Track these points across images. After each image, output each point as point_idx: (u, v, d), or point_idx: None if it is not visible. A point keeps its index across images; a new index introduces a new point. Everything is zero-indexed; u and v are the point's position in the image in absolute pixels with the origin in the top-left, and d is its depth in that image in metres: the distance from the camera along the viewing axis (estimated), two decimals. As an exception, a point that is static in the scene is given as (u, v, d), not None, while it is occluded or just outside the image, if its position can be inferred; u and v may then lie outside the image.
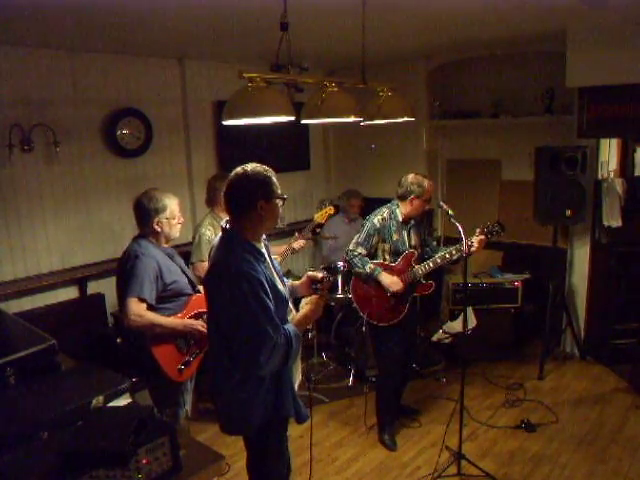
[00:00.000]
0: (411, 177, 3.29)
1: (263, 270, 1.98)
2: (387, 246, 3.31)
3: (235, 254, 1.96)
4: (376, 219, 3.31)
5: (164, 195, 2.72)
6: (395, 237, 3.30)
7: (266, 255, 2.10)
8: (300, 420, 2.18)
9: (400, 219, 3.31)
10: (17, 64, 3.62)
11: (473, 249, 3.14)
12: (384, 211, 3.34)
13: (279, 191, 2.05)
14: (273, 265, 2.15)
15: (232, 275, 1.91)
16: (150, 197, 2.69)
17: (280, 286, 2.09)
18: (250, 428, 2.09)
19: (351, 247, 3.35)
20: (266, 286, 1.94)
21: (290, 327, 2.01)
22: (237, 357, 1.98)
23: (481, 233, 3.22)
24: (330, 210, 4.08)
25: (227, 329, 1.97)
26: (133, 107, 4.25)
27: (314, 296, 2.16)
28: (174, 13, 2.98)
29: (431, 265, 3.26)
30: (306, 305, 2.16)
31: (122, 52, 4.12)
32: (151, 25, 3.27)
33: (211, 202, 3.65)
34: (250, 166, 2.03)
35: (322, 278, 2.19)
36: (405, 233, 3.32)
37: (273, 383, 2.06)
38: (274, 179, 2.04)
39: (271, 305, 1.94)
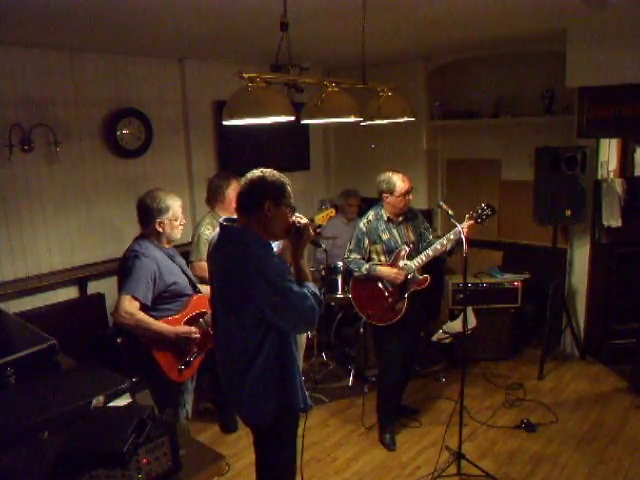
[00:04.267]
0: (382, 175, 3.31)
1: (276, 256, 2.09)
2: (379, 247, 3.32)
3: (251, 247, 2.02)
4: (362, 223, 3.37)
5: (168, 196, 2.72)
6: (385, 237, 3.31)
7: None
8: (305, 409, 2.20)
9: (386, 218, 3.32)
10: (17, 64, 3.62)
11: (463, 235, 3.01)
12: (370, 213, 3.39)
13: (291, 200, 2.10)
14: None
15: (260, 263, 1.97)
16: (153, 197, 2.69)
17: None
18: (267, 419, 2.11)
19: (345, 255, 3.42)
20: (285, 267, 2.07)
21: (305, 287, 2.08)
22: (291, 329, 2.09)
23: (470, 218, 3.19)
24: (331, 212, 4.05)
25: (269, 313, 1.99)
26: (133, 107, 4.25)
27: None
28: (174, 13, 2.98)
29: (423, 259, 3.25)
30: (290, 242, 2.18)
31: (122, 52, 4.12)
32: (151, 25, 3.27)
33: (211, 201, 3.64)
34: (267, 170, 2.10)
35: (293, 222, 2.13)
36: (396, 231, 3.33)
37: (286, 373, 2.09)
38: (288, 188, 2.10)
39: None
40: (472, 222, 3.18)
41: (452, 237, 3.16)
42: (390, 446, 3.41)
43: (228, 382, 2.17)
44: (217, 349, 2.26)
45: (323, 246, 3.93)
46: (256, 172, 2.10)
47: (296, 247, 2.15)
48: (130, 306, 2.54)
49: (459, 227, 3.00)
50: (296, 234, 2.13)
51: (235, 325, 2.05)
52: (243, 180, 2.11)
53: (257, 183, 2.06)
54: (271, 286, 1.95)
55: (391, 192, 3.24)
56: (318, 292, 2.10)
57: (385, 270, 3.26)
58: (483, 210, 3.21)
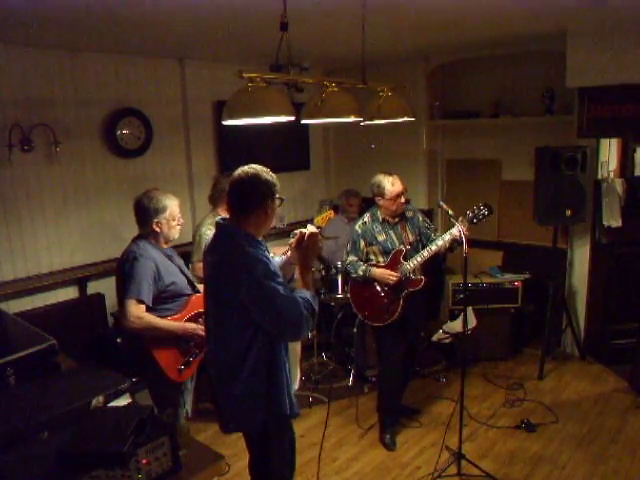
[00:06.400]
0: (373, 178, 3.31)
1: (268, 256, 2.08)
2: (375, 248, 3.34)
3: (241, 245, 2.01)
4: (357, 225, 3.39)
5: (164, 196, 2.72)
6: (381, 238, 3.32)
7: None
8: (292, 415, 2.19)
9: (381, 219, 3.33)
10: (17, 64, 3.62)
11: (463, 236, 2.98)
12: (366, 215, 3.41)
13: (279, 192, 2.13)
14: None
15: (249, 260, 1.97)
16: (150, 197, 2.69)
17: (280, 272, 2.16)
18: (254, 424, 2.11)
19: (344, 257, 3.44)
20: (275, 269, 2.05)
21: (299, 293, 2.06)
22: (277, 333, 2.04)
23: (465, 220, 3.17)
24: (330, 214, 4.04)
25: (254, 313, 1.99)
26: (133, 107, 4.24)
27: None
28: (174, 13, 2.98)
29: (419, 259, 3.25)
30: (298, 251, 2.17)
31: (122, 52, 4.12)
32: (151, 25, 3.27)
33: (216, 200, 3.60)
34: (257, 167, 2.11)
35: (298, 235, 2.15)
36: (392, 232, 3.33)
37: (274, 378, 2.09)
38: (276, 180, 2.13)
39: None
40: (467, 225, 3.15)
41: (447, 238, 3.17)
42: (390, 446, 3.42)
43: (217, 384, 2.17)
44: (208, 350, 2.26)
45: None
46: (247, 170, 2.08)
47: (306, 259, 2.13)
48: (137, 310, 2.54)
49: (459, 229, 2.98)
50: (305, 246, 2.12)
51: (225, 323, 2.06)
52: (236, 179, 2.08)
53: (255, 182, 2.06)
54: (257, 285, 1.94)
55: (382, 195, 3.25)
56: (313, 301, 2.05)
57: (378, 272, 3.27)
58: (480, 210, 3.23)
